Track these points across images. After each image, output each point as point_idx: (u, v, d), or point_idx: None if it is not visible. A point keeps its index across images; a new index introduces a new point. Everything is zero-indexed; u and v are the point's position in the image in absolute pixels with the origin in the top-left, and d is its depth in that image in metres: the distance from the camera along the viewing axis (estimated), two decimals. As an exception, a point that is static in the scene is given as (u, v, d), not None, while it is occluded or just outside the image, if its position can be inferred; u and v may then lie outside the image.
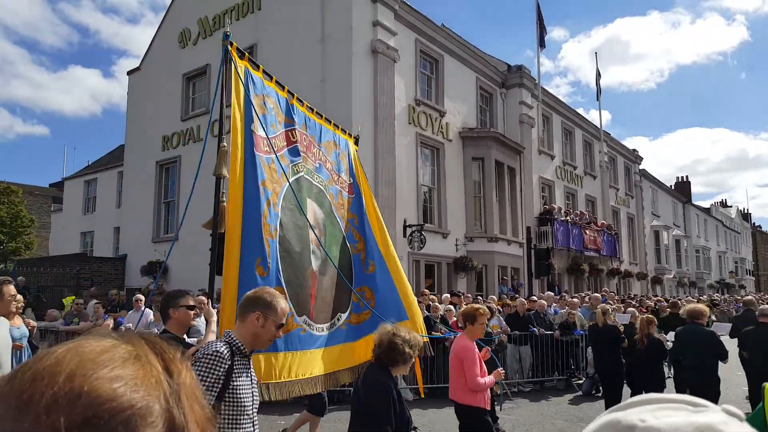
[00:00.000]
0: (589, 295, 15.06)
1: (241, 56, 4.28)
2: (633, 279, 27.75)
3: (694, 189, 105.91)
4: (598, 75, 25.75)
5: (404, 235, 14.61)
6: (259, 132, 4.19)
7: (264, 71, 4.52)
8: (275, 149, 4.33)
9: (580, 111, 25.97)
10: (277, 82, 4.65)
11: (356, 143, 5.56)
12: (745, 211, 64.48)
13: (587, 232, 22.40)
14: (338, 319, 4.75)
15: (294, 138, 4.69)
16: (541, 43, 20.93)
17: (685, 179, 48.06)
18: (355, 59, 14.02)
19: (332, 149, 5.28)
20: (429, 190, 16.49)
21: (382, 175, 14.09)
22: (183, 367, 0.60)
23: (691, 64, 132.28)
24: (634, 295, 21.45)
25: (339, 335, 4.66)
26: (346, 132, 5.60)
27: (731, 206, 59.11)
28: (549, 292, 15.56)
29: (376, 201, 13.95)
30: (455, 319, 10.74)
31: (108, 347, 0.55)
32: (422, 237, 14.56)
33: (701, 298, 24.13)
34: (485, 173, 17.73)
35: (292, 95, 4.82)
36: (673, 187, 42.94)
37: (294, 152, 4.69)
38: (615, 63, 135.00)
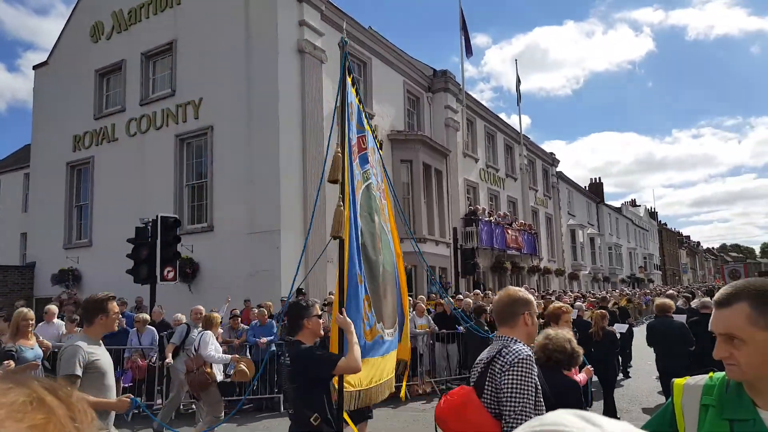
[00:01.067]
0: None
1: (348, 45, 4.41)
2: (552, 275, 29.09)
3: (606, 189, 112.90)
4: (518, 81, 26.84)
5: (335, 238, 14.47)
6: (359, 134, 4.38)
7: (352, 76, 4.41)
8: (353, 156, 4.27)
9: (502, 116, 26.99)
10: (355, 83, 4.45)
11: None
12: (653, 210, 69.51)
13: (509, 231, 23.22)
14: (397, 327, 4.57)
15: (364, 145, 4.61)
16: (468, 50, 21.50)
17: (598, 180, 50.98)
18: (282, 58, 13.76)
19: (375, 152, 4.80)
20: (358, 192, 16.44)
21: (310, 177, 13.90)
22: (84, 407, 0.53)
23: (603, 71, 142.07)
24: (553, 290, 22.45)
25: (393, 343, 4.47)
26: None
27: (640, 206, 63.40)
28: (475, 290, 15.98)
29: (306, 202, 13.75)
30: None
31: (6, 391, 0.49)
32: (351, 239, 14.50)
33: (614, 292, 25.65)
34: (413, 175, 17.95)
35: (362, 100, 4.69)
36: (587, 188, 45.49)
37: (364, 159, 4.56)
38: (535, 69, 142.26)
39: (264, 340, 9.43)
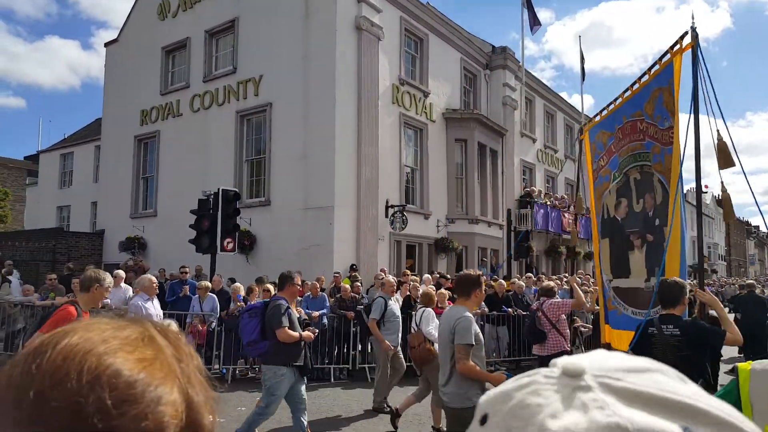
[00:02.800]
0: (566, 277, 15.26)
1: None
2: (608, 262, 28.20)
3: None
4: (582, 59, 25.76)
5: (386, 216, 14.58)
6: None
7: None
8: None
9: (564, 95, 26.06)
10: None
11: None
12: (720, 198, 65.96)
13: (566, 215, 22.61)
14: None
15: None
16: (535, 21, 20.77)
17: (661, 165, 48.70)
18: (339, 36, 13.79)
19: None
20: (411, 171, 16.44)
21: (364, 154, 13.99)
22: (189, 349, 0.60)
23: None
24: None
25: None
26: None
27: (707, 192, 60.28)
28: (528, 274, 15.74)
29: (360, 178, 13.99)
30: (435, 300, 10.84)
31: (122, 327, 0.56)
32: (404, 217, 14.56)
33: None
34: (468, 155, 17.73)
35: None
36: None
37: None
38: (599, 47, 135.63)
39: (316, 313, 9.67)
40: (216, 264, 10.69)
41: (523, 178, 21.98)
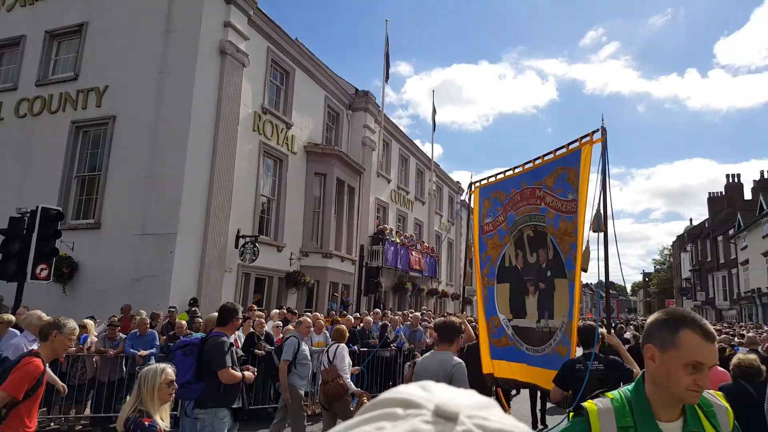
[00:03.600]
0: (411, 312, 15.34)
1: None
2: (448, 299, 29.51)
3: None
4: (434, 112, 27.14)
5: (236, 246, 13.49)
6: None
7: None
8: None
9: (417, 142, 27.13)
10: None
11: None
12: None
13: (413, 253, 23.18)
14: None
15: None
16: (387, 77, 21.37)
17: (496, 212, 53.11)
18: (201, 57, 12.70)
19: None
20: (268, 201, 15.57)
21: (218, 180, 12.86)
22: None
23: (511, 113, 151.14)
24: (449, 313, 22.61)
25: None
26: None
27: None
28: (375, 309, 15.56)
29: (210, 205, 12.74)
30: (281, 336, 10.06)
31: None
32: (255, 249, 13.57)
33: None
34: (326, 189, 17.36)
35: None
36: (486, 218, 47.05)
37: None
38: (450, 103, 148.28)
39: (144, 352, 8.33)
40: (23, 294, 8.80)
41: (377, 216, 22.16)
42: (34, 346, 5.49)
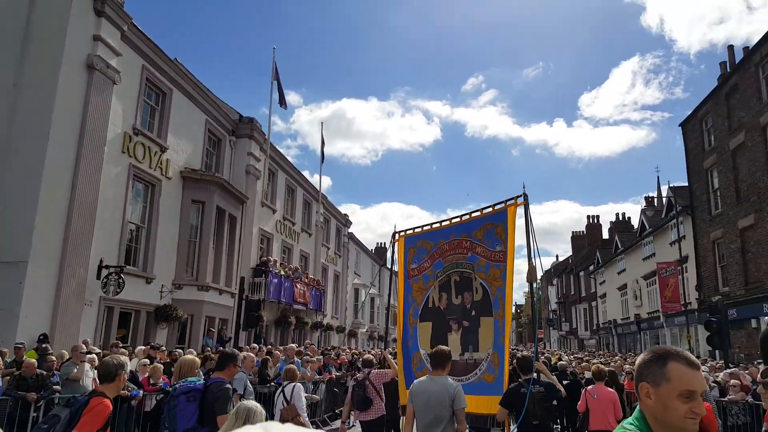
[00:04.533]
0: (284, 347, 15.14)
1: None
2: (333, 332, 29.45)
3: (389, 254, 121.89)
4: (323, 143, 27.61)
5: (98, 277, 12.51)
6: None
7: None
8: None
9: (306, 173, 27.37)
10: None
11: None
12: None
13: (298, 285, 22.98)
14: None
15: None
16: (281, 102, 21.46)
17: (383, 245, 54.33)
18: (65, 70, 11.90)
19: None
20: (137, 229, 14.68)
21: (79, 204, 11.95)
22: None
23: (398, 149, 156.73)
24: (333, 347, 22.59)
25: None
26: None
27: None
28: (255, 344, 15.16)
29: (69, 231, 11.77)
30: (147, 375, 9.45)
31: None
32: (120, 280, 12.68)
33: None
34: (204, 218, 16.78)
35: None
36: (373, 251, 48.07)
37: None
38: (339, 136, 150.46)
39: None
40: None
41: (261, 247, 21.76)
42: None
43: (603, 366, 8.78)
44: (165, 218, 15.35)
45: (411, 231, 8.02)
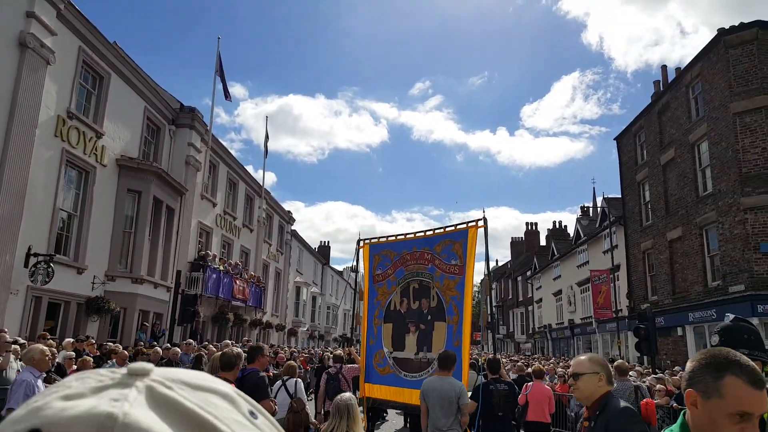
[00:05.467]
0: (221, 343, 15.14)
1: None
2: (273, 330, 29.35)
3: (333, 253, 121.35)
4: (267, 137, 27.52)
5: (26, 265, 12.13)
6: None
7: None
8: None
9: (249, 168, 27.15)
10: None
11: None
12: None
13: (237, 281, 22.84)
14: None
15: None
16: (225, 95, 21.29)
17: (327, 244, 54.44)
18: (-6, 45, 11.50)
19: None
20: (69, 217, 14.29)
21: (6, 187, 11.56)
22: None
23: (345, 149, 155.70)
24: (271, 344, 22.59)
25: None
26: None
27: (359, 272, 68.93)
28: (190, 340, 15.07)
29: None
30: (74, 368, 9.30)
31: None
32: (50, 269, 12.35)
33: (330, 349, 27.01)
34: (140, 209, 16.48)
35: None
36: (316, 249, 48.09)
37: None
38: (286, 132, 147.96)
39: None
40: None
41: (199, 241, 21.50)
42: (40, 383, 5.66)
43: (540, 366, 10.03)
44: (99, 207, 15.01)
45: (376, 240, 9.00)
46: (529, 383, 8.81)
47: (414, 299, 8.07)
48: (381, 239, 8.94)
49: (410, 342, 7.88)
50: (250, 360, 5.65)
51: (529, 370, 11.28)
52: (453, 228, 7.88)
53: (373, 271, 8.79)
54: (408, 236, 8.54)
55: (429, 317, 7.79)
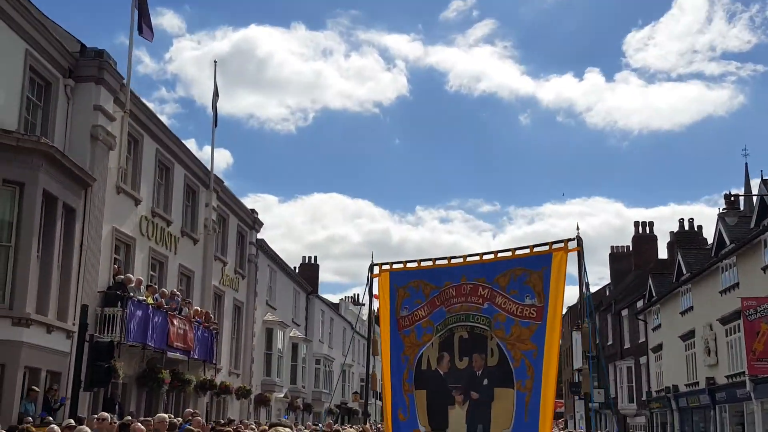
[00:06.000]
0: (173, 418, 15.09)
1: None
2: (231, 396, 29.31)
3: (323, 276, 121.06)
4: (216, 94, 27.55)
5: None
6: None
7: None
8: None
9: (191, 144, 27.12)
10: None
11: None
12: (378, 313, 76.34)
13: (175, 322, 22.84)
14: None
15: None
16: (140, 30, 21.29)
17: (314, 261, 54.53)
18: None
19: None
20: None
21: None
22: None
23: (340, 110, 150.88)
24: (230, 419, 22.50)
25: None
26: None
27: (365, 304, 69.15)
28: (104, 413, 15.00)
29: None
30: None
31: None
32: None
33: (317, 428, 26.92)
34: (23, 210, 16.50)
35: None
36: (297, 270, 48.15)
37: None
38: (246, 85, 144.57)
39: None
40: None
41: (116, 259, 21.55)
42: None
43: None
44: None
45: (400, 265, 9.40)
46: None
47: (461, 355, 8.45)
48: (408, 264, 9.40)
49: (456, 418, 8.25)
50: None
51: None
52: (527, 251, 8.23)
53: (396, 313, 9.19)
54: (453, 261, 8.92)
55: (485, 381, 8.16)
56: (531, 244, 7.96)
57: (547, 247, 8.04)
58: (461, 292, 8.53)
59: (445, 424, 8.22)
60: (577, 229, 7.62)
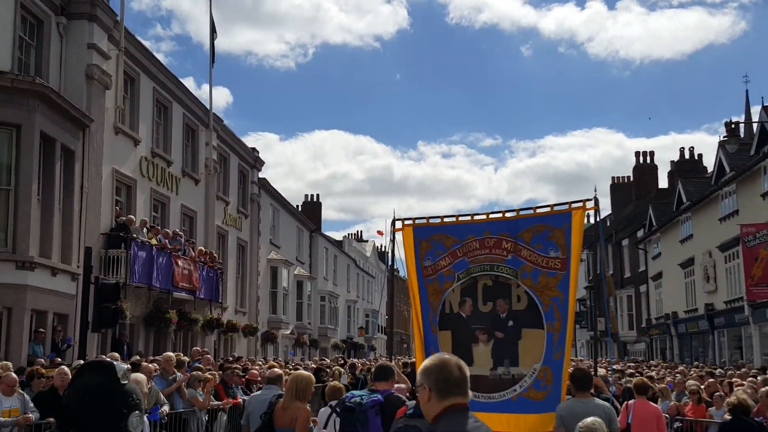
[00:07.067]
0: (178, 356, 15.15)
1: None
2: (239, 334, 29.58)
3: (325, 214, 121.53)
4: (213, 31, 27.05)
5: None
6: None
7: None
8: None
9: (188, 82, 26.92)
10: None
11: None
12: (382, 249, 76.30)
13: (179, 262, 22.89)
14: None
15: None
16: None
17: (316, 199, 54.51)
18: None
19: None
20: None
21: None
22: None
23: (341, 44, 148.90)
24: (237, 357, 22.71)
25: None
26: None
27: (368, 241, 69.60)
28: (115, 353, 15.10)
29: None
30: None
31: None
32: None
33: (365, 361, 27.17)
34: (21, 152, 16.38)
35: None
36: (300, 208, 48.17)
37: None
38: (244, 20, 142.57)
39: None
40: None
41: (117, 200, 21.51)
42: None
43: (647, 380, 11.02)
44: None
45: (423, 221, 9.95)
46: (629, 402, 9.69)
47: (485, 300, 9.10)
48: (431, 220, 9.91)
49: (481, 354, 8.94)
50: (384, 379, 6.88)
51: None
52: (548, 209, 9.02)
53: (420, 262, 9.72)
54: (476, 218, 9.56)
55: (511, 323, 8.88)
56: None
57: (566, 206, 8.77)
58: (485, 245, 9.09)
59: (470, 360, 8.60)
60: (595, 191, 8.77)
